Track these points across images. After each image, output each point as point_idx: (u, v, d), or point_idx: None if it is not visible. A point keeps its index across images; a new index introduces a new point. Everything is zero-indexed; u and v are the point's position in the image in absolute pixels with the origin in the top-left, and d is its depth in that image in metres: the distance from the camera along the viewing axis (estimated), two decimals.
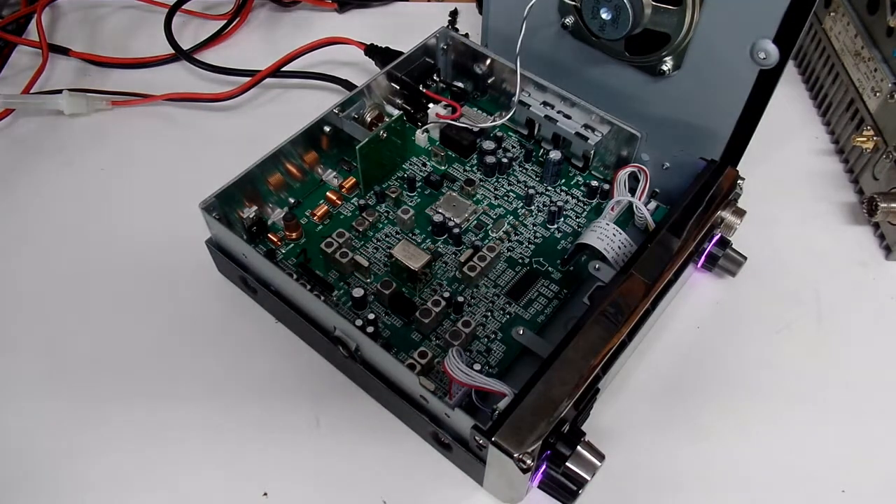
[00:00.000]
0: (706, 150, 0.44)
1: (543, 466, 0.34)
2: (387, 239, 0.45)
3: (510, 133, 0.50)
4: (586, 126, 0.46)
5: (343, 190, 0.47)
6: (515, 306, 0.42)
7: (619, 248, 0.41)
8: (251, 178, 0.42)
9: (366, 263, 0.42)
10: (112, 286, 0.45)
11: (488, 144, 0.48)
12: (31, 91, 0.54)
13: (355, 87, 0.50)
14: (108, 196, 0.49)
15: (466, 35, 0.51)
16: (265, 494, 0.37)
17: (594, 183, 0.47)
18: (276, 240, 0.44)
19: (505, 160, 0.48)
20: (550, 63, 0.49)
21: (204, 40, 0.59)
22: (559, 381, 0.34)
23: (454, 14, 0.57)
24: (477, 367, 0.38)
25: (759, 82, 0.41)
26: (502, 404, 0.34)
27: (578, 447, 0.33)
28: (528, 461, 0.31)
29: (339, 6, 0.63)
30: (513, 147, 0.50)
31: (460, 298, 0.41)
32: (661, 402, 0.40)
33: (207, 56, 0.58)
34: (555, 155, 0.46)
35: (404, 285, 0.42)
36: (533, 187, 0.47)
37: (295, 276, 0.40)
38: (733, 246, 0.44)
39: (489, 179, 0.48)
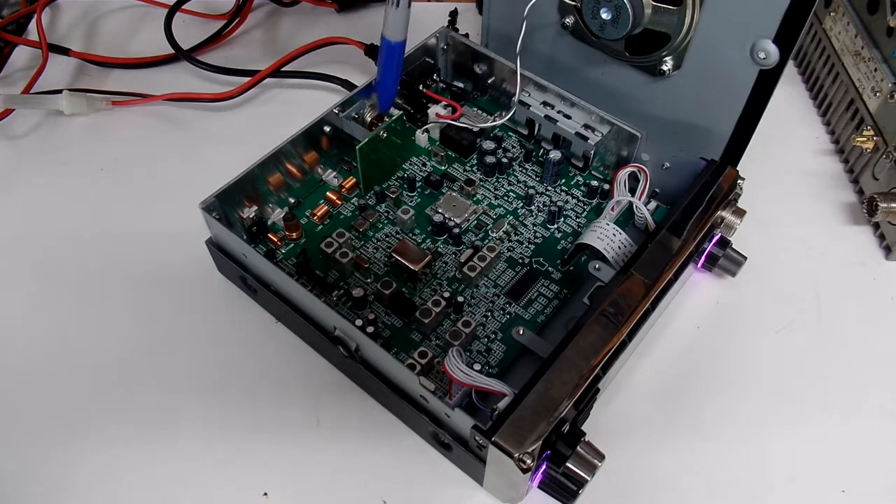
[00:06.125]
0: (706, 150, 0.44)
1: (543, 466, 0.34)
2: (387, 239, 0.45)
3: (510, 133, 0.50)
4: (586, 126, 0.46)
5: (343, 190, 0.47)
6: (515, 306, 0.42)
7: (619, 248, 0.41)
8: (251, 178, 0.42)
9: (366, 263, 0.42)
10: (112, 286, 0.45)
11: (488, 144, 0.48)
12: (31, 91, 0.54)
13: (355, 87, 0.50)
14: (107, 196, 0.49)
15: (466, 35, 0.51)
16: (265, 494, 0.37)
17: (594, 183, 0.47)
18: (276, 240, 0.44)
19: (505, 160, 0.48)
20: (550, 63, 0.49)
21: (204, 40, 0.59)
22: (559, 381, 0.34)
23: (454, 14, 0.57)
24: (477, 367, 0.38)
25: (759, 82, 0.41)
26: (502, 404, 0.34)
27: (578, 447, 0.33)
28: (528, 461, 0.31)
29: (339, 6, 0.63)
30: (513, 147, 0.50)
31: (460, 298, 0.41)
32: (661, 402, 0.40)
33: (207, 56, 0.58)
34: (555, 155, 0.46)
35: (404, 285, 0.42)
36: (533, 187, 0.47)
37: (295, 277, 0.40)
38: (733, 246, 0.44)
39: (489, 179, 0.48)
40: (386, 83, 0.45)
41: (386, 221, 0.46)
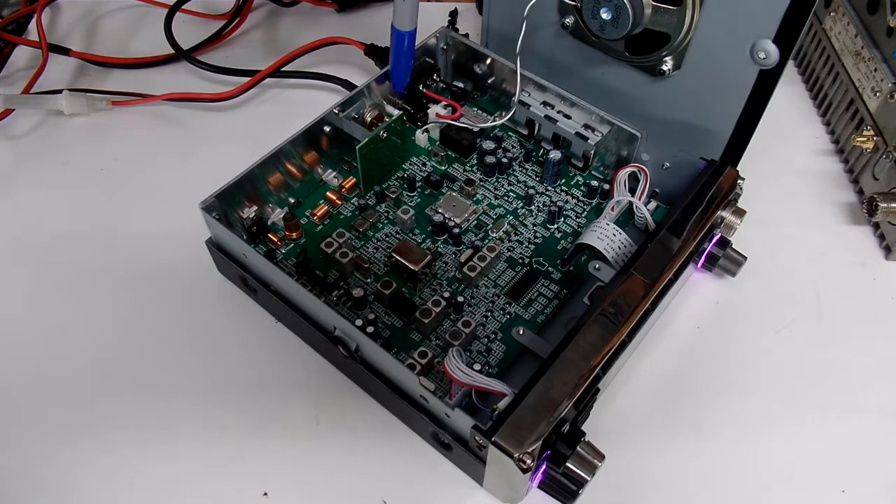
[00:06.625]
0: (706, 150, 0.44)
1: (543, 466, 0.34)
2: (387, 239, 0.45)
3: (510, 133, 0.50)
4: (586, 126, 0.46)
5: (343, 190, 0.47)
6: (515, 306, 0.42)
7: (619, 248, 0.41)
8: (251, 178, 0.42)
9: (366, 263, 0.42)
10: (112, 286, 0.45)
11: (488, 144, 0.48)
12: (31, 91, 0.54)
13: (355, 87, 0.50)
14: (107, 196, 0.49)
15: (466, 35, 0.51)
16: (265, 494, 0.37)
17: (594, 183, 0.47)
18: (276, 240, 0.44)
19: (505, 160, 0.48)
20: (550, 63, 0.49)
21: (204, 40, 0.59)
22: (559, 381, 0.34)
23: (454, 14, 0.57)
24: (477, 367, 0.38)
25: (759, 82, 0.41)
26: (502, 404, 0.34)
27: (578, 447, 0.33)
28: (528, 461, 0.31)
29: (339, 6, 0.63)
30: (513, 147, 0.50)
31: (460, 298, 0.41)
32: (661, 402, 0.40)
33: (207, 56, 0.58)
34: (555, 155, 0.46)
35: (404, 285, 0.42)
36: (533, 187, 0.47)
37: (295, 277, 0.40)
38: (733, 246, 0.44)
39: (489, 179, 0.48)
40: (398, 69, 0.47)
41: (386, 221, 0.46)
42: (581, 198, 0.47)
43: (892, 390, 0.41)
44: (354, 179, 0.47)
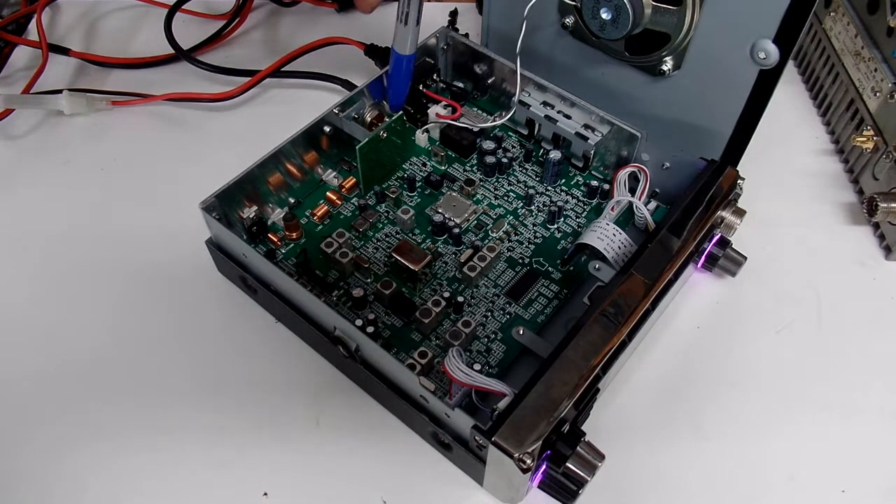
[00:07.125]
0: (706, 150, 0.44)
1: (543, 466, 0.34)
2: (387, 239, 0.45)
3: (510, 133, 0.50)
4: (586, 126, 0.46)
5: (343, 190, 0.47)
6: (515, 306, 0.42)
7: (619, 248, 0.41)
8: (251, 178, 0.42)
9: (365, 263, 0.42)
10: (111, 286, 0.45)
11: (488, 144, 0.48)
12: (31, 91, 0.54)
13: (355, 87, 0.50)
14: (107, 196, 0.49)
15: (466, 35, 0.51)
16: (265, 494, 0.37)
17: (594, 183, 0.47)
18: (276, 240, 0.44)
19: (505, 160, 0.48)
20: (550, 63, 0.49)
21: (204, 40, 0.59)
22: (559, 381, 0.34)
23: (454, 14, 0.57)
24: (477, 367, 0.38)
25: (759, 82, 0.41)
26: (502, 404, 0.34)
27: (578, 447, 0.33)
28: (528, 461, 0.31)
29: (339, 6, 0.63)
30: (513, 147, 0.50)
31: (460, 298, 0.41)
32: (661, 402, 0.40)
33: (207, 56, 0.58)
34: (555, 155, 0.46)
35: (404, 285, 0.42)
36: (533, 187, 0.47)
37: (295, 277, 0.40)
38: (733, 246, 0.44)
39: (489, 179, 0.48)
40: (395, 88, 0.47)
41: (386, 221, 0.46)
42: (581, 198, 0.47)
43: (892, 390, 0.41)
44: (354, 179, 0.47)
